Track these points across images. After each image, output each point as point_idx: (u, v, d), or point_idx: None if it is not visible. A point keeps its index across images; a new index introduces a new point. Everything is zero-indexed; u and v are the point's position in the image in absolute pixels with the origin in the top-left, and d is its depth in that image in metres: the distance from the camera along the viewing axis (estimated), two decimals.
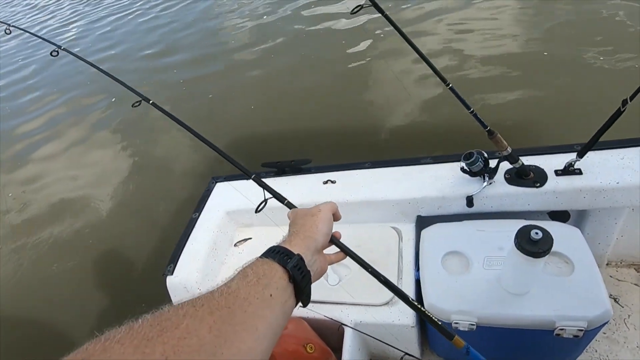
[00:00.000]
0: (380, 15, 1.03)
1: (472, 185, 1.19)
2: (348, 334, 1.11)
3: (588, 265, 0.98)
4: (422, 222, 1.27)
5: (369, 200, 1.32)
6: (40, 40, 1.44)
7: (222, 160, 1.06)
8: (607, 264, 1.42)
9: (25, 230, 2.80)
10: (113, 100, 3.91)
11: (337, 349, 1.11)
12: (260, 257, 0.50)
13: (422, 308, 0.61)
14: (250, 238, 1.51)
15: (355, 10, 0.86)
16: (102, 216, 2.75)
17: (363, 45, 3.65)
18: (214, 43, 4.67)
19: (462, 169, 1.16)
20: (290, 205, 0.74)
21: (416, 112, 2.77)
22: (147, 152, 3.18)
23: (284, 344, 0.98)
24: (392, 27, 1.02)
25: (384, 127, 2.76)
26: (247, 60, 4.05)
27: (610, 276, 1.39)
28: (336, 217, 0.65)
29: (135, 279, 2.28)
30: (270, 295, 0.44)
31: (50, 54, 1.30)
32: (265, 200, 0.84)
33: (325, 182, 1.41)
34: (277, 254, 0.50)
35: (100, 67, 1.26)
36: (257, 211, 0.86)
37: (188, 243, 1.40)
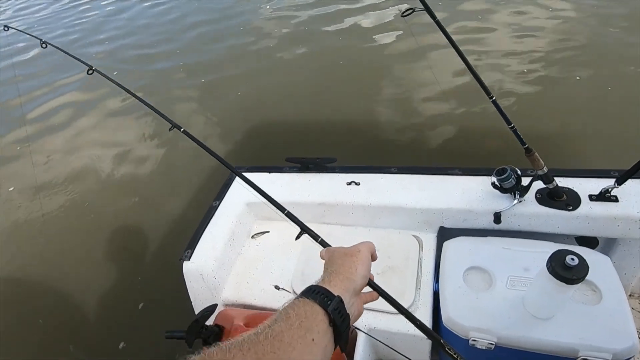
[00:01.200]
0: (424, 17, 1.01)
1: (502, 202, 1.16)
2: (361, 339, 1.10)
3: (617, 296, 0.95)
4: (445, 234, 1.25)
5: (392, 206, 1.31)
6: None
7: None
8: (629, 295, 1.38)
9: (42, 202, 2.85)
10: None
11: (348, 353, 1.10)
12: (301, 295, 0.50)
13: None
14: (267, 232, 1.51)
15: (407, 13, 0.84)
16: (122, 195, 2.79)
17: (402, 46, 3.61)
18: (247, 36, 4.66)
19: (493, 184, 1.14)
20: (324, 244, 0.74)
21: (451, 120, 2.73)
22: (174, 136, 3.19)
23: None
24: (437, 32, 1.00)
25: (414, 132, 2.73)
26: (279, 51, 4.04)
27: (633, 308, 1.35)
28: (373, 257, 0.64)
29: (151, 261, 2.31)
30: (312, 339, 0.44)
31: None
32: (301, 233, 0.84)
33: (349, 184, 1.40)
34: (317, 294, 0.50)
35: (132, 92, 1.29)
36: (296, 238, 0.86)
37: (207, 231, 1.40)
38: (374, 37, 3.88)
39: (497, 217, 1.15)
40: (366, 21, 4.20)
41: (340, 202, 1.36)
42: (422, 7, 0.87)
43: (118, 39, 5.18)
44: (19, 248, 2.59)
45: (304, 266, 1.31)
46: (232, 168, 1.18)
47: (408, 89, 3.11)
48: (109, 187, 2.91)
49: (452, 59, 1.07)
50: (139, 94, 1.31)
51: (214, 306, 1.02)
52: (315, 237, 0.77)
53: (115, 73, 4.19)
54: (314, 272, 1.26)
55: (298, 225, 0.85)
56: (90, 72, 1.41)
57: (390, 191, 1.34)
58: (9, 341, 2.04)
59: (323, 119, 2.97)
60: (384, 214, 1.33)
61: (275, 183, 1.53)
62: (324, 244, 0.74)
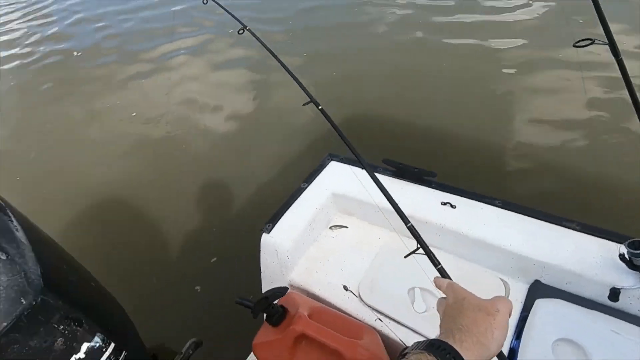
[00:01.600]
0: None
1: (625, 278, 0.99)
2: None
3: None
4: (540, 290, 1.12)
5: (486, 242, 1.20)
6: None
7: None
8: None
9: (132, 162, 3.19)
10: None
11: None
12: (426, 349, 0.45)
13: None
14: (346, 227, 1.50)
15: (584, 44, 0.72)
16: (224, 148, 3.03)
17: (549, 76, 3.10)
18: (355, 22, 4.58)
19: (622, 257, 0.97)
20: (443, 273, 0.67)
21: (583, 162, 2.37)
22: (276, 109, 3.32)
23: (356, 353, 0.96)
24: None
25: (530, 165, 2.43)
26: (390, 44, 3.91)
27: None
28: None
29: (231, 217, 2.48)
30: None
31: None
32: (416, 250, 0.79)
33: (444, 204, 1.31)
34: (445, 353, 0.44)
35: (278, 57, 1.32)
36: (406, 256, 0.81)
37: (290, 210, 1.43)
38: (504, 57, 3.47)
39: (614, 294, 0.98)
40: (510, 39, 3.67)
41: (430, 221, 1.28)
42: (605, 41, 0.73)
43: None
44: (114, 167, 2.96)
45: (375, 273, 1.27)
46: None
47: (535, 117, 2.76)
48: (214, 138, 3.16)
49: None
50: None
51: (285, 289, 1.05)
52: (435, 262, 0.72)
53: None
54: (384, 282, 1.23)
55: (418, 242, 0.79)
56: (241, 31, 1.48)
57: (489, 225, 1.22)
58: (93, 253, 2.33)
59: (426, 125, 2.81)
60: (474, 247, 1.23)
61: (366, 180, 1.50)
62: (443, 273, 0.68)
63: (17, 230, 0.76)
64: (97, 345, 0.81)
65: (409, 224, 0.87)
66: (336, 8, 4.79)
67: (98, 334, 0.81)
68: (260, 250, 1.38)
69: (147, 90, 3.89)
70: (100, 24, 5.52)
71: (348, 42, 4.05)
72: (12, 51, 5.32)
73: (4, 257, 0.69)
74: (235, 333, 1.54)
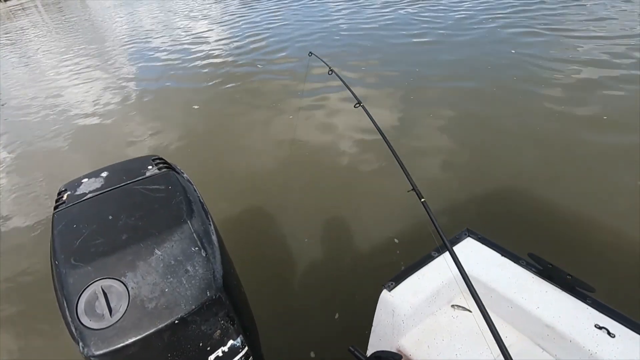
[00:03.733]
0: None
1: None
2: None
3: None
4: None
5: None
6: None
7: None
8: None
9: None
10: None
11: None
12: None
13: None
14: (470, 311, 1.42)
15: None
16: (344, 187, 3.22)
17: None
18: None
19: None
20: None
21: None
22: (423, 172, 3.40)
23: None
24: None
25: None
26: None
27: None
28: None
29: (355, 255, 2.57)
30: None
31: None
32: None
33: (599, 328, 1.13)
34: None
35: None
36: None
37: (415, 275, 1.44)
38: None
39: None
40: None
41: (576, 342, 1.12)
42: None
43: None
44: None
45: None
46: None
47: None
48: (339, 172, 3.38)
49: None
50: None
51: (399, 357, 1.06)
52: None
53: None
54: None
55: None
56: (357, 105, 1.71)
57: None
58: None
59: (589, 218, 2.46)
60: None
61: (503, 269, 1.40)
62: None
63: (213, 233, 0.98)
64: (237, 345, 0.96)
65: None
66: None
67: (241, 336, 0.96)
68: (377, 304, 1.41)
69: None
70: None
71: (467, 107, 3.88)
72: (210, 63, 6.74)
73: (204, 254, 0.89)
74: None
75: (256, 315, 1.17)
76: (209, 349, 0.89)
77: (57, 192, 1.05)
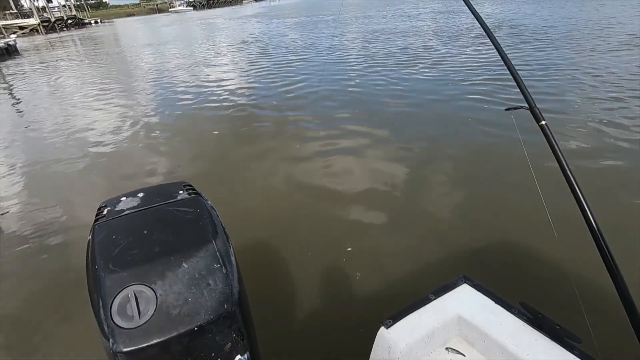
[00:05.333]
0: None
1: None
2: None
3: None
4: None
5: None
6: None
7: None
8: None
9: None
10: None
11: None
12: None
13: None
14: (463, 355, 1.47)
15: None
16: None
17: None
18: None
19: None
20: None
21: None
22: (420, 213, 3.53)
23: None
24: None
25: None
26: None
27: None
28: None
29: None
30: None
31: None
32: None
33: None
34: None
35: None
36: None
37: (412, 315, 1.51)
38: None
39: None
40: None
41: None
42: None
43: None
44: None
45: None
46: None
47: None
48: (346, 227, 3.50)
49: None
50: None
51: None
52: None
53: None
54: None
55: None
56: None
57: None
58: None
59: (589, 274, 2.52)
60: None
61: (496, 317, 1.47)
62: None
63: (232, 255, 1.10)
64: None
65: None
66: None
67: (248, 352, 1.04)
68: (375, 342, 1.47)
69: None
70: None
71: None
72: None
73: (224, 271, 1.00)
74: None
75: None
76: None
77: (98, 207, 1.19)
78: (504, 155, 4.27)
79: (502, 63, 1.39)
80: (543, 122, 1.11)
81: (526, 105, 1.17)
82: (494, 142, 4.64)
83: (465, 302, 1.55)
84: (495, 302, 1.53)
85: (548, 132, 1.11)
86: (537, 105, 1.15)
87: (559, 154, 1.08)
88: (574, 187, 1.06)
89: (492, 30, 1.57)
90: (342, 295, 2.64)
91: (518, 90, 1.32)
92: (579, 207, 1.09)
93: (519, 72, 1.34)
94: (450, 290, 1.61)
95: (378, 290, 2.58)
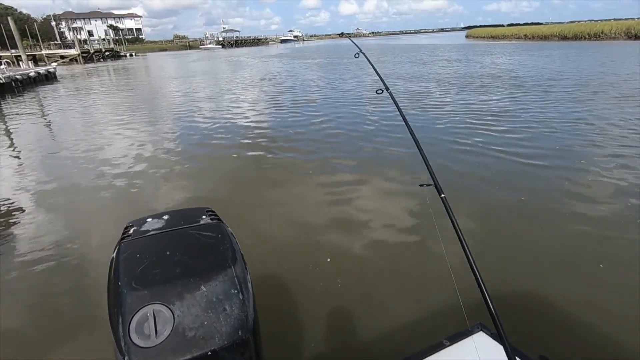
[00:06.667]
0: None
1: None
2: None
3: None
4: None
5: None
6: None
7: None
8: None
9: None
10: None
11: None
12: None
13: None
14: None
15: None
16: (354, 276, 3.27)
17: None
18: None
19: None
20: None
21: None
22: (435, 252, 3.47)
23: None
24: None
25: None
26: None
27: None
28: None
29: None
30: None
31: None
32: None
33: None
34: None
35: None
36: None
37: (430, 359, 1.45)
38: None
39: None
40: None
41: None
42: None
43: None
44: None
45: None
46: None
47: None
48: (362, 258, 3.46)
49: None
50: None
51: None
52: None
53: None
54: None
55: None
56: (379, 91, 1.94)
57: None
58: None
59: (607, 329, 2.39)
60: None
61: None
62: None
63: (249, 281, 1.11)
64: None
65: None
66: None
67: None
68: None
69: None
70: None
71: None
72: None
73: (241, 297, 1.01)
74: None
75: None
76: None
77: (125, 226, 1.24)
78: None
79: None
80: (442, 195, 1.42)
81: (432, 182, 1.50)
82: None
83: (481, 351, 1.49)
84: (514, 353, 1.46)
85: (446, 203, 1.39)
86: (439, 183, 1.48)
87: (453, 217, 1.34)
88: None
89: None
90: (353, 333, 2.56)
91: None
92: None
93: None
94: (466, 337, 1.56)
95: (391, 331, 2.49)
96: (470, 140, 6.72)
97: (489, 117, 8.28)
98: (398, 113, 1.93)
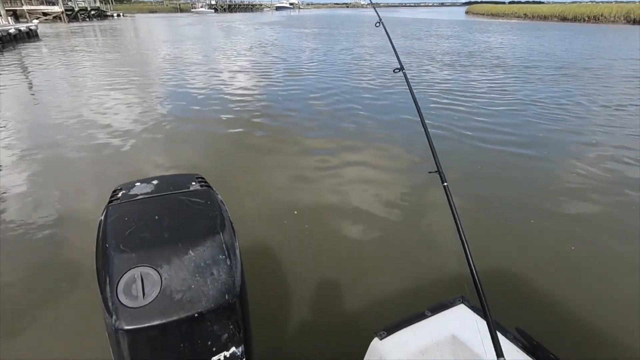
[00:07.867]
0: None
1: None
2: None
3: None
4: None
5: None
6: None
7: None
8: None
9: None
10: None
11: None
12: None
13: None
14: None
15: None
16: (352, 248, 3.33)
17: None
18: None
19: None
20: None
21: None
22: (425, 227, 3.53)
23: None
24: None
25: None
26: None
27: None
28: None
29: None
30: None
31: None
32: None
33: None
34: None
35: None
36: None
37: (408, 329, 1.51)
38: None
39: None
40: None
41: None
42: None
43: None
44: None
45: None
46: None
47: None
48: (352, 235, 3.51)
49: None
50: None
51: None
52: None
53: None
54: None
55: None
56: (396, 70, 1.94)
57: None
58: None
59: (584, 305, 2.51)
60: None
61: (489, 340, 1.47)
62: None
63: (237, 248, 1.12)
64: (237, 354, 1.05)
65: None
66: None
67: (242, 346, 1.05)
68: (367, 352, 1.47)
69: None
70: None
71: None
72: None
73: (228, 263, 1.02)
74: None
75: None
76: (214, 349, 0.98)
77: (113, 190, 1.22)
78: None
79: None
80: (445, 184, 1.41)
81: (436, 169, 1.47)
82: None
83: (461, 322, 1.55)
84: (495, 327, 1.52)
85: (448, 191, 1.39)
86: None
87: (453, 206, 1.33)
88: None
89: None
90: (338, 301, 2.64)
91: None
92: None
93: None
94: (447, 308, 1.61)
95: (374, 300, 2.58)
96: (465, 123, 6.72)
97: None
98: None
